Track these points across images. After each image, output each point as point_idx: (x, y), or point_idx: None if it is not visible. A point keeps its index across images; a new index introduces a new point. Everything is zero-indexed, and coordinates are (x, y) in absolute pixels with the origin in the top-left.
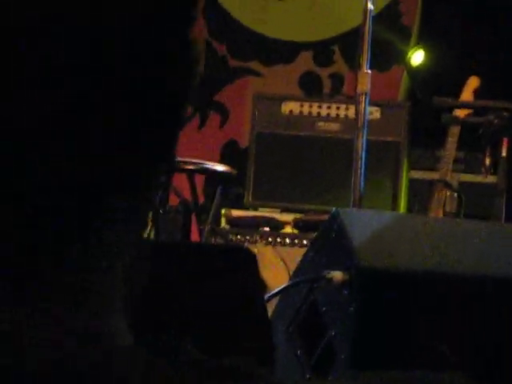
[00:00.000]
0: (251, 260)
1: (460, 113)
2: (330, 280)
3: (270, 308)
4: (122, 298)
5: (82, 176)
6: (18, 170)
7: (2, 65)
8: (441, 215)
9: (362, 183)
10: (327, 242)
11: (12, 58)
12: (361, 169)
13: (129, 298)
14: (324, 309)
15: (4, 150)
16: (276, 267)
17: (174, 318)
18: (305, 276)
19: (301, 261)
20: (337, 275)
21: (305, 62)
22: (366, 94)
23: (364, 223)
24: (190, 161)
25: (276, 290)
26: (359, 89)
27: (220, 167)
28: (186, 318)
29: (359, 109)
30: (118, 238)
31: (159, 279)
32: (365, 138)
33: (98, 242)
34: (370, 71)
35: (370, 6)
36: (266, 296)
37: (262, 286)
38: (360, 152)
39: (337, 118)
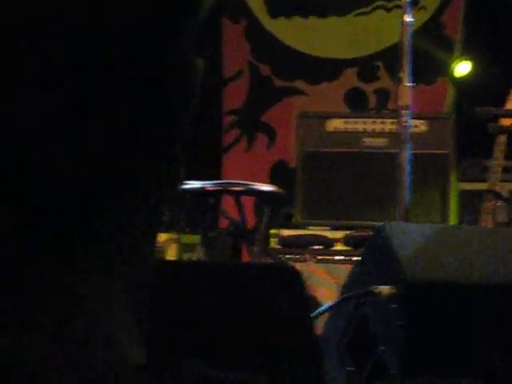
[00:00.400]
0: (296, 277)
1: (506, 122)
2: (378, 294)
3: (321, 324)
4: (123, 309)
5: (82, 176)
6: (17, 169)
7: (2, 65)
8: (491, 226)
9: (408, 196)
10: (374, 257)
11: (12, 57)
12: (406, 182)
13: (132, 311)
14: (373, 323)
15: (4, 150)
16: (328, 285)
17: (217, 338)
18: (352, 292)
19: (348, 276)
20: (384, 289)
21: (349, 78)
22: (407, 108)
23: (410, 236)
24: (237, 182)
25: (324, 307)
26: (400, 102)
27: (266, 187)
28: (230, 336)
29: (401, 122)
30: (119, 238)
31: (204, 299)
32: (409, 150)
33: (98, 242)
34: (410, 84)
35: (409, 19)
36: (314, 313)
37: (309, 303)
38: (404, 165)
39: (382, 133)
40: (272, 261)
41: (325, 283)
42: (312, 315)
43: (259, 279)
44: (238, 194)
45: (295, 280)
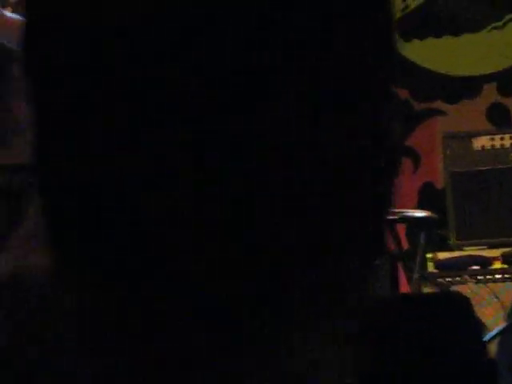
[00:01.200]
0: (466, 304)
1: None
2: None
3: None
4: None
5: (82, 176)
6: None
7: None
8: None
9: None
10: None
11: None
12: None
13: None
14: None
15: None
16: (491, 304)
17: (391, 376)
18: None
19: None
20: None
21: (489, 94)
22: None
23: None
24: (390, 210)
25: (494, 332)
26: None
27: (420, 213)
28: (407, 371)
29: None
30: (118, 239)
31: (370, 335)
32: None
33: (97, 242)
34: None
35: None
36: (486, 337)
37: (480, 328)
38: None
39: None
40: (432, 286)
41: (488, 303)
42: (484, 340)
43: (430, 310)
44: (392, 223)
45: (465, 307)
